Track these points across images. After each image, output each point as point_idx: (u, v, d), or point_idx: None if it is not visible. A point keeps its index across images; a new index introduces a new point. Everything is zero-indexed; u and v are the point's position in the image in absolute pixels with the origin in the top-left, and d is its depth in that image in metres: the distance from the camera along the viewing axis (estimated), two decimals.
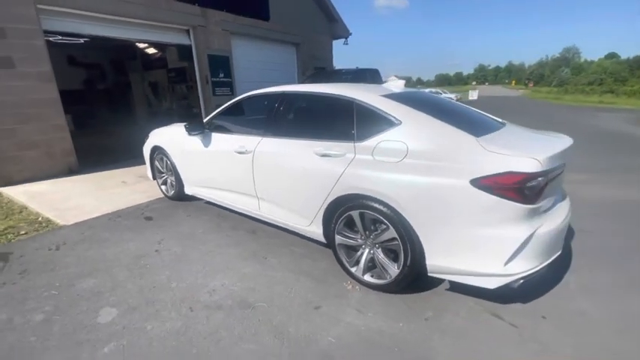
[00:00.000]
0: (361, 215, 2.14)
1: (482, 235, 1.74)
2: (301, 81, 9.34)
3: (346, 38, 11.70)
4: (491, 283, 1.79)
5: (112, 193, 4.35)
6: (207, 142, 3.23)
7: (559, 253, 1.95)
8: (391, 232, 2.00)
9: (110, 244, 2.93)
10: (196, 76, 7.32)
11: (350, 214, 2.18)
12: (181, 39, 7.01)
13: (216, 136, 3.18)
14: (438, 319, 1.95)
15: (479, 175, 1.70)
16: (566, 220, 1.98)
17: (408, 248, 1.95)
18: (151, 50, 10.15)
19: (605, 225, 3.13)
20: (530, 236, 1.71)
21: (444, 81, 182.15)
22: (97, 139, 7.82)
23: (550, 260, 1.87)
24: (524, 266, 1.74)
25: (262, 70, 8.84)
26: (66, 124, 5.38)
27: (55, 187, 4.66)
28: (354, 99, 2.32)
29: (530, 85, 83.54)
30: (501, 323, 1.91)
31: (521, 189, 1.65)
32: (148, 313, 2.01)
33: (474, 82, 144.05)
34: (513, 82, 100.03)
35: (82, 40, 9.08)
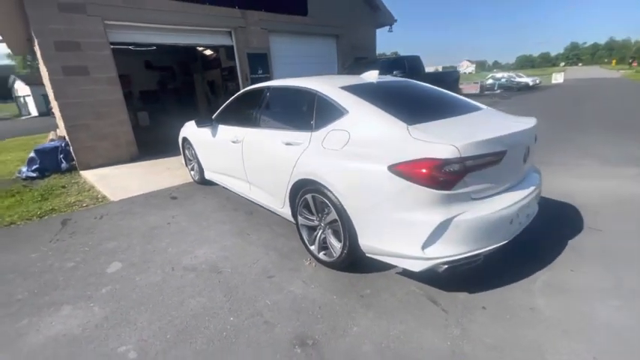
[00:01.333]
0: (313, 198, 2.35)
1: (401, 219, 1.82)
2: (340, 72, 9.47)
3: (391, 26, 11.38)
4: (415, 266, 1.86)
5: (157, 177, 5.18)
6: (214, 134, 3.70)
7: (501, 243, 1.90)
8: (333, 215, 2.18)
9: (138, 216, 3.61)
10: (238, 73, 8.02)
11: (306, 198, 2.41)
12: (225, 40, 7.74)
13: (220, 128, 3.63)
14: (373, 296, 2.08)
15: (396, 162, 1.78)
16: (513, 209, 1.90)
17: (345, 229, 2.11)
18: (207, 52, 11.28)
19: (623, 226, 2.77)
20: (447, 222, 1.73)
21: (526, 63, 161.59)
22: (163, 132, 9.13)
23: (485, 249, 1.84)
24: (444, 251, 1.77)
25: (301, 64, 9.20)
26: (129, 119, 6.44)
27: (117, 171, 5.71)
28: (317, 91, 2.51)
29: (634, 64, 69.03)
30: (434, 308, 1.96)
31: (434, 175, 1.69)
32: (141, 269, 2.54)
33: (562, 64, 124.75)
34: (614, 61, 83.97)
35: (153, 47, 10.57)
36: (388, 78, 3.32)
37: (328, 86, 2.50)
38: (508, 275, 2.20)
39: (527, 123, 2.18)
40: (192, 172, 4.74)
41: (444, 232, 1.75)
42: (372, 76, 2.87)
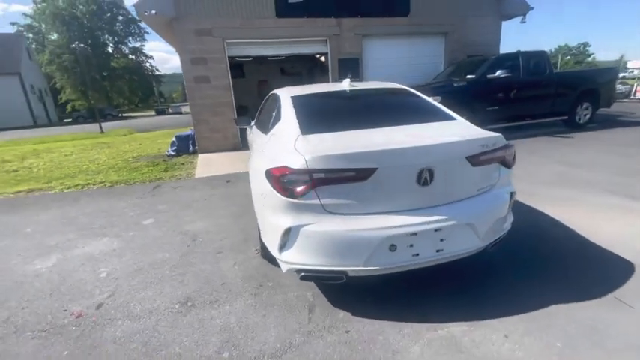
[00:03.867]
0: None
1: (269, 220, 1.96)
2: (435, 76, 8.68)
3: (524, 15, 9.39)
4: (282, 267, 1.97)
5: (235, 165, 6.43)
6: (251, 132, 4.42)
7: (370, 267, 1.75)
8: None
9: (194, 191, 4.76)
10: (330, 78, 8.65)
11: None
12: (321, 48, 8.49)
13: (253, 129, 4.31)
14: (269, 289, 2.28)
15: (270, 167, 1.93)
16: (385, 233, 1.72)
17: (258, 224, 2.37)
18: (323, 59, 12.40)
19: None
20: (296, 229, 1.77)
21: None
22: None
23: (346, 268, 1.77)
24: (297, 258, 1.82)
25: (399, 66, 8.98)
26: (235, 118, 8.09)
27: (218, 157, 7.36)
28: (278, 97, 2.80)
29: None
30: (303, 315, 2.02)
31: (282, 183, 1.77)
32: (159, 226, 3.51)
33: None
34: None
35: (282, 57, 12.52)
36: (368, 85, 3.17)
37: (286, 93, 2.74)
38: (413, 315, 1.95)
39: (445, 138, 1.85)
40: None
41: (296, 239, 1.80)
42: (344, 84, 2.88)
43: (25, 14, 40.34)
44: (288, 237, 1.82)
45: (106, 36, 39.59)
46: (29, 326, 2.02)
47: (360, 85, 2.98)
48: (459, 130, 2.16)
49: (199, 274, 2.51)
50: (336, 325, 1.90)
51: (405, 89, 2.92)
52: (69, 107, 37.79)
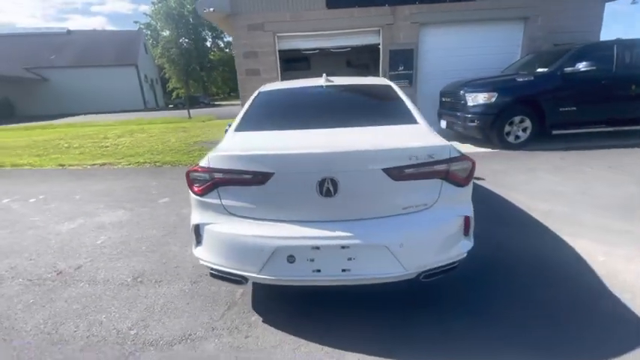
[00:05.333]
0: None
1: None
2: (504, 69, 7.43)
3: None
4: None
5: None
6: None
7: (266, 276, 1.66)
8: None
9: None
10: (379, 70, 8.22)
11: None
12: (373, 39, 8.10)
13: None
14: (205, 280, 2.33)
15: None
16: (279, 243, 1.61)
17: None
18: None
19: None
20: (202, 227, 1.78)
21: None
22: None
23: (243, 273, 1.71)
24: (203, 255, 1.83)
25: (463, 56, 7.98)
26: None
27: None
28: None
29: None
30: (216, 312, 2.04)
31: (190, 180, 1.79)
32: (168, 206, 3.90)
33: None
34: None
35: (347, 48, 12.37)
36: (347, 81, 2.89)
37: (260, 89, 2.73)
38: (323, 337, 1.82)
39: (351, 147, 1.62)
40: None
41: (204, 236, 1.82)
42: (321, 80, 2.72)
43: (145, 14, 47.74)
44: (197, 234, 1.84)
45: (206, 31, 44.51)
46: (23, 275, 2.50)
47: (339, 81, 2.78)
48: (402, 136, 1.87)
49: (165, 255, 2.73)
50: (241, 328, 1.87)
51: (386, 86, 2.61)
52: (174, 94, 44.06)
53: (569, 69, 5.48)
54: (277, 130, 2.05)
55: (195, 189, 1.77)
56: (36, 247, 2.97)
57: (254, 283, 2.21)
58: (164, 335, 1.84)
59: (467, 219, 1.76)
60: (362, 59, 16.17)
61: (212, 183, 1.72)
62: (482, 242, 2.61)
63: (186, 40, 38.72)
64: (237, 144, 1.90)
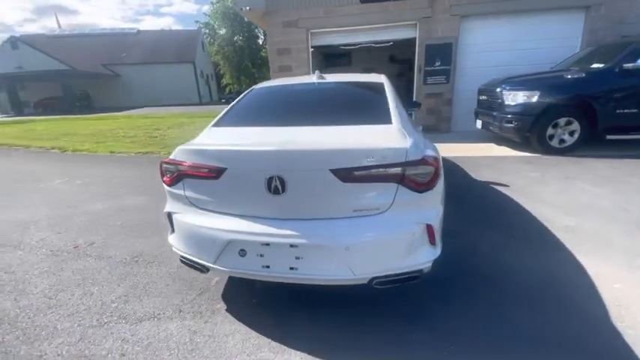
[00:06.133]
0: None
1: None
2: (557, 64, 6.58)
3: None
4: None
5: None
6: None
7: (219, 267, 1.73)
8: None
9: None
10: (414, 66, 7.86)
11: None
12: (409, 33, 7.75)
13: None
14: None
15: None
16: (231, 237, 1.66)
17: None
18: None
19: None
20: (171, 216, 1.91)
21: None
22: None
23: (200, 261, 1.79)
24: (173, 242, 1.94)
25: (509, 51, 7.28)
26: None
27: None
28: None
29: None
30: (186, 297, 2.17)
31: (162, 170, 1.91)
32: None
33: None
34: None
35: (390, 43, 12.06)
36: (339, 79, 2.83)
37: (257, 85, 2.80)
38: (276, 333, 1.85)
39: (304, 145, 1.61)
40: None
41: (173, 224, 1.94)
42: (313, 77, 2.71)
43: (205, 13, 50.82)
44: (170, 222, 1.97)
45: (259, 29, 46.21)
46: (48, 246, 2.89)
47: (332, 79, 2.74)
48: (364, 137, 1.80)
49: (165, 239, 2.95)
50: (204, 314, 1.97)
51: (377, 84, 2.50)
52: (227, 90, 46.66)
53: (629, 65, 4.73)
54: (250, 127, 2.11)
55: (165, 179, 1.90)
56: (67, 223, 3.40)
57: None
58: (137, 311, 2.01)
59: (429, 227, 1.65)
60: (406, 54, 15.53)
61: (177, 175, 1.83)
62: (479, 258, 2.42)
63: (240, 38, 40.64)
64: (205, 139, 1.99)
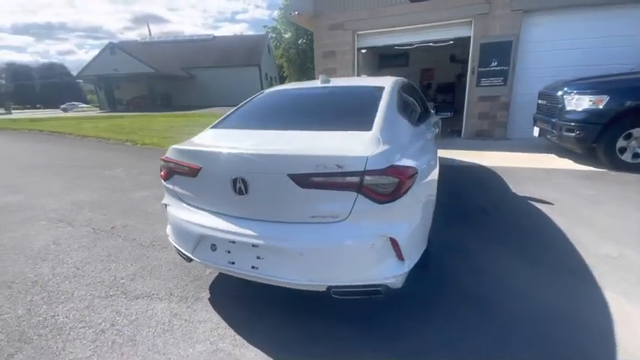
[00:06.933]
0: None
1: None
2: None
3: None
4: None
5: None
6: None
7: (193, 257, 1.87)
8: None
9: None
10: (468, 66, 7.29)
11: None
12: (463, 31, 7.21)
13: None
14: None
15: None
16: (201, 231, 1.80)
17: None
18: None
19: None
20: (166, 207, 2.11)
21: None
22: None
23: (181, 250, 1.96)
24: (169, 232, 2.16)
25: (581, 49, 6.30)
26: None
27: None
28: None
29: None
30: (179, 282, 2.36)
31: (161, 166, 2.09)
32: None
33: None
34: None
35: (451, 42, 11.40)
36: (342, 83, 2.77)
37: (269, 89, 2.91)
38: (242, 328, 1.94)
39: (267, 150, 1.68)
40: None
41: (168, 216, 2.14)
42: (319, 80, 2.72)
43: (274, 19, 53.59)
44: (167, 212, 2.18)
45: None
46: (91, 225, 3.39)
47: (337, 83, 2.72)
48: (333, 143, 1.77)
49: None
50: (189, 299, 2.14)
51: (377, 89, 2.39)
52: None
53: None
54: (241, 130, 2.21)
55: (162, 174, 2.10)
56: (113, 206, 3.94)
57: None
58: (137, 289, 2.26)
59: (393, 241, 1.56)
60: (467, 53, 14.51)
61: (168, 171, 2.02)
62: (486, 285, 2.17)
63: (304, 41, 42.01)
64: (196, 139, 2.15)
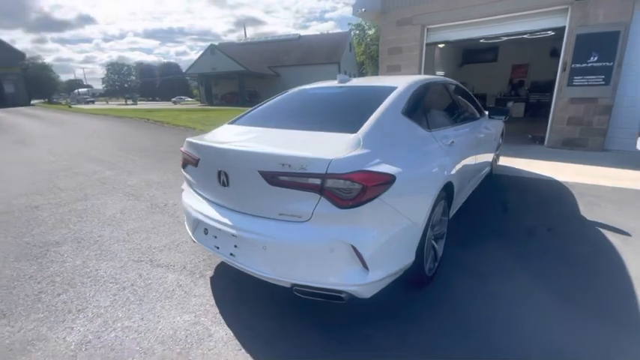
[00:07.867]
0: None
1: None
2: None
3: None
4: None
5: None
6: None
7: (191, 235, 2.15)
8: None
9: None
10: (560, 61, 6.19)
11: None
12: (555, 21, 6.14)
13: None
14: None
15: None
16: (197, 216, 2.02)
17: None
18: None
19: None
20: (183, 191, 2.40)
21: None
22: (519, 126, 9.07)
23: (189, 232, 2.23)
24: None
25: None
26: None
27: None
28: None
29: None
30: (179, 277, 2.66)
31: (182, 157, 2.39)
32: None
33: None
34: None
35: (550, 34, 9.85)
36: (360, 83, 2.62)
37: (298, 87, 3.01)
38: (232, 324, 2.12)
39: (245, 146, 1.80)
40: None
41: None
42: (337, 80, 2.69)
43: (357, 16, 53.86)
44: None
45: None
46: (151, 201, 4.01)
47: (354, 82, 2.66)
48: (312, 143, 1.78)
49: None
50: (195, 276, 2.40)
51: (388, 89, 2.25)
52: None
53: None
54: (252, 127, 2.34)
55: (181, 162, 2.39)
56: (173, 186, 4.58)
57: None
58: (161, 259, 2.64)
59: (355, 248, 1.51)
60: None
61: (183, 161, 2.29)
62: (502, 321, 1.90)
63: None
64: (209, 133, 2.37)
